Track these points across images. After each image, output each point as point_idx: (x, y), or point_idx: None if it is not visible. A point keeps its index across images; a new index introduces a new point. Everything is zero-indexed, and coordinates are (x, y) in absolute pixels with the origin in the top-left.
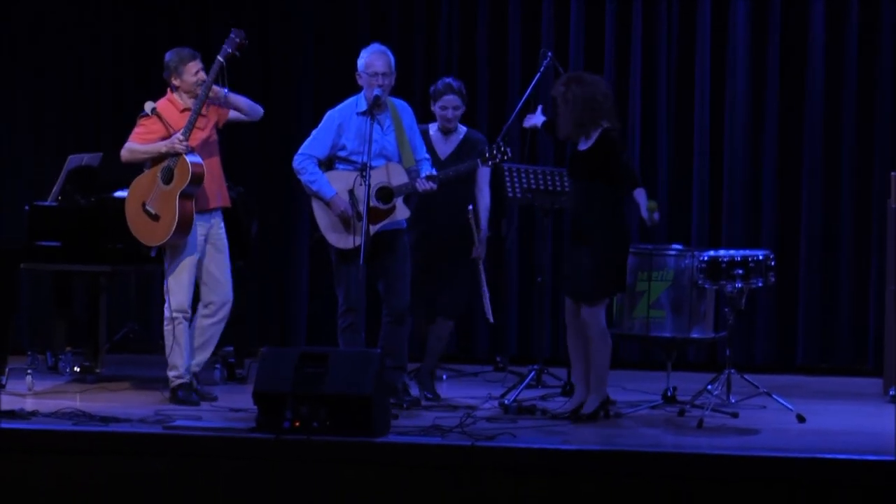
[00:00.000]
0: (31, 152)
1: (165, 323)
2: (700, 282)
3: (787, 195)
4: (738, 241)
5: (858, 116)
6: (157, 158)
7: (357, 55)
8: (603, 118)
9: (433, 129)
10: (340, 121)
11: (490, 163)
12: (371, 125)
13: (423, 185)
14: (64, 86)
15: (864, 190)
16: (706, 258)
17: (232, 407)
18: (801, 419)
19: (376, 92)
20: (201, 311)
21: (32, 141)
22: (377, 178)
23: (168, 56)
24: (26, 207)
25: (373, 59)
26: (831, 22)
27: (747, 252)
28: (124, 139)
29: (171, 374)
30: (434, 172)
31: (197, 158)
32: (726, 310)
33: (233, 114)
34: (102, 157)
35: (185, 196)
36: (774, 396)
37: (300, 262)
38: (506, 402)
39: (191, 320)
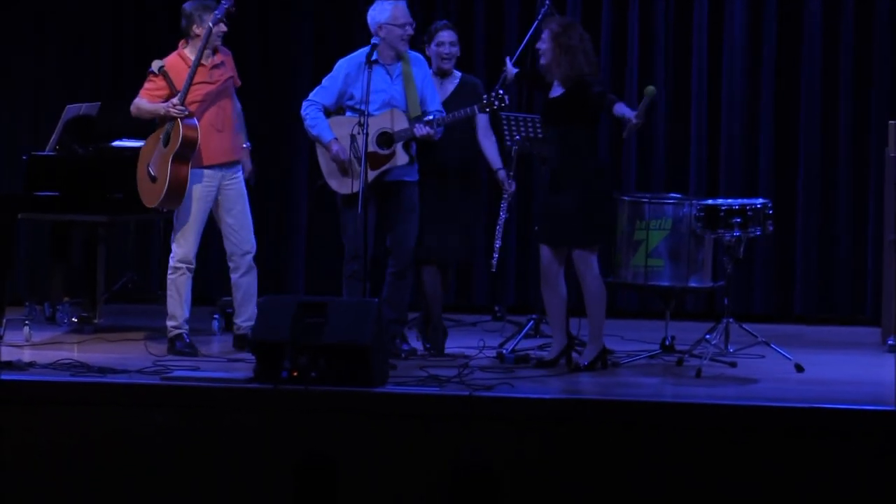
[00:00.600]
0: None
1: (169, 272)
2: (698, 230)
3: (785, 144)
4: (735, 190)
5: (856, 64)
6: (162, 119)
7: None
8: (582, 73)
9: None
10: (348, 70)
11: (488, 110)
12: (370, 73)
13: (420, 131)
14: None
15: (862, 139)
16: (704, 206)
17: (230, 357)
18: (799, 369)
19: (374, 40)
20: (229, 264)
21: (32, 91)
22: (380, 123)
23: (190, 5)
24: (24, 157)
25: (396, 13)
26: None
27: (745, 200)
28: (122, 88)
29: (169, 324)
30: (432, 118)
31: (192, 121)
32: (724, 258)
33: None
34: (100, 106)
35: (178, 159)
36: (773, 346)
37: (299, 212)
38: (503, 351)
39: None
